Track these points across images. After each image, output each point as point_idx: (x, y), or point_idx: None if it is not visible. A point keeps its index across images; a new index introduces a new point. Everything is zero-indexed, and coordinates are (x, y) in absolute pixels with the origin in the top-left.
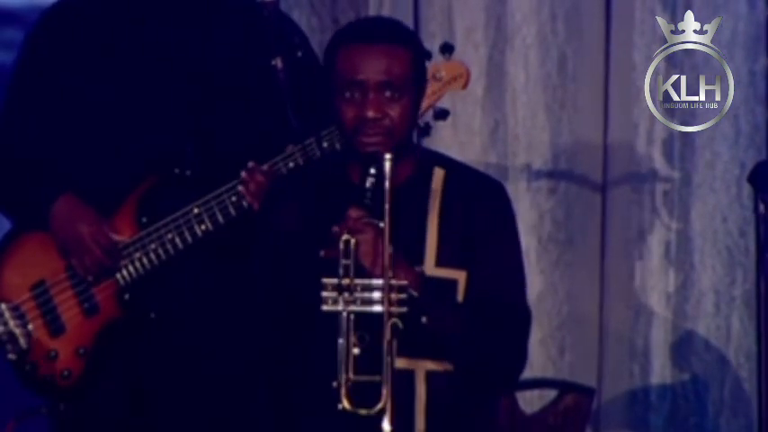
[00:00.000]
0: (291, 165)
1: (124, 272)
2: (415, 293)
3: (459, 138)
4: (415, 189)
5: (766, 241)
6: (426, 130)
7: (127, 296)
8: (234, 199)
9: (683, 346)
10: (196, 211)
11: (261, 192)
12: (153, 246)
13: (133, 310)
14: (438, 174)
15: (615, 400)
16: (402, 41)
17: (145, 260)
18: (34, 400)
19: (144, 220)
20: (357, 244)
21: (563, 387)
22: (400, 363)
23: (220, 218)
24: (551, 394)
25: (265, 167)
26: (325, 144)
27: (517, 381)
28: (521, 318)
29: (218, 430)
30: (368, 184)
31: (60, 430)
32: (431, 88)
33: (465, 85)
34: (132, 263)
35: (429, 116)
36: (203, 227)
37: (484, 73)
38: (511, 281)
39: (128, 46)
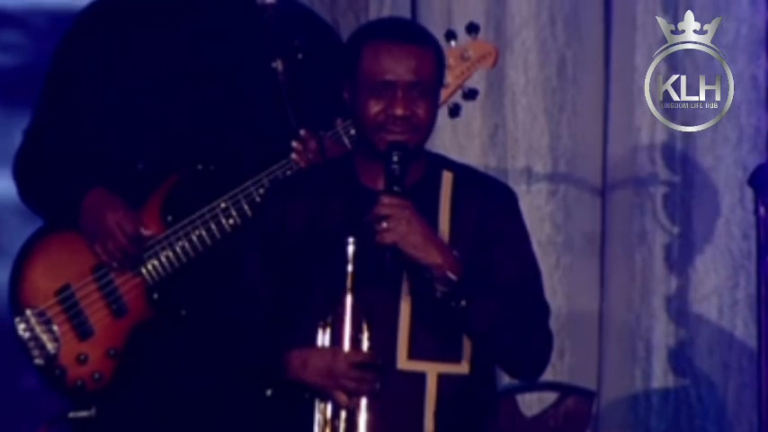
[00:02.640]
0: (353, 131)
1: (152, 270)
2: (453, 277)
3: (458, 141)
4: (424, 192)
5: (767, 244)
6: (456, 111)
7: (156, 295)
8: (261, 191)
9: (686, 349)
10: (223, 205)
11: (315, 162)
12: (180, 243)
13: (163, 308)
14: (447, 177)
15: (616, 403)
16: (429, 43)
17: (173, 257)
18: (62, 405)
19: (169, 218)
20: (394, 229)
21: (563, 390)
22: (412, 365)
23: (248, 211)
24: (551, 397)
25: (321, 133)
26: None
27: (544, 370)
28: (543, 309)
29: (250, 427)
30: (395, 172)
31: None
32: (459, 68)
33: (494, 64)
34: (159, 261)
35: (458, 97)
36: (231, 221)
37: (483, 76)
38: (530, 276)
39: (151, 47)
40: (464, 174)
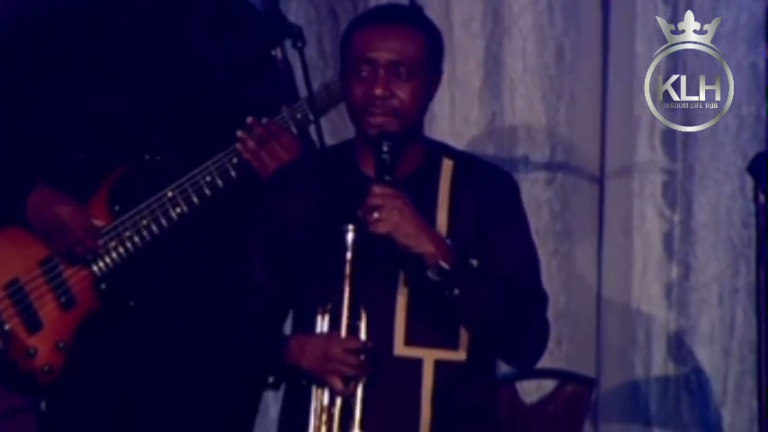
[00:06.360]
0: (299, 116)
1: (99, 262)
2: (446, 266)
3: (456, 129)
4: (424, 179)
5: (766, 232)
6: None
7: (104, 286)
8: (208, 179)
9: (686, 337)
10: (170, 194)
11: (261, 149)
12: (128, 233)
13: (111, 299)
14: (447, 164)
15: (616, 391)
16: (416, 24)
17: (120, 249)
18: (17, 399)
19: (116, 208)
20: (386, 219)
21: (563, 377)
22: (409, 351)
23: (195, 200)
24: (551, 384)
25: (265, 121)
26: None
27: (539, 358)
28: (540, 298)
29: (206, 419)
30: (386, 161)
31: (49, 426)
32: None
33: None
34: (107, 252)
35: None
36: (178, 210)
37: (481, 64)
38: (528, 266)
39: (94, 33)
40: (465, 161)
